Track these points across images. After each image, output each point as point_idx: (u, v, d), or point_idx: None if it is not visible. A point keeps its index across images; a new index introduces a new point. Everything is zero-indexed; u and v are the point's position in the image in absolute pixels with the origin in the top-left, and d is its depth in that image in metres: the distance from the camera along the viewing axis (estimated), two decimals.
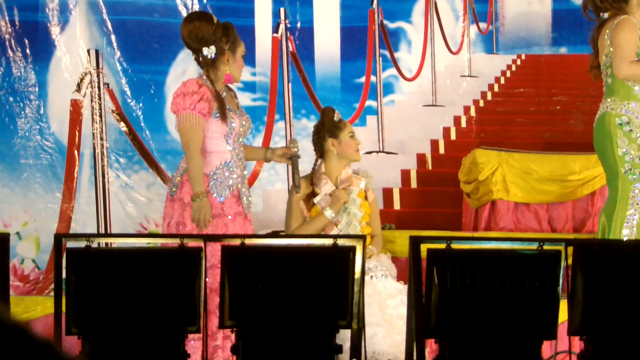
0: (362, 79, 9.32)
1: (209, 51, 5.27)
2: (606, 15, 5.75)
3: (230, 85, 5.46)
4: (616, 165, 5.66)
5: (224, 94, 5.33)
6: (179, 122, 5.22)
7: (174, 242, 4.21)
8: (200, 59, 5.31)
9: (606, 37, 5.63)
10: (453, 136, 9.71)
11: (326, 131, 5.93)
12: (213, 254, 4.87)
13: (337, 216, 5.82)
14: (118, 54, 8.73)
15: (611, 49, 5.62)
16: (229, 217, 5.30)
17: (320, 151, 5.97)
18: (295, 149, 5.53)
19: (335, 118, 5.95)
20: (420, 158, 8.95)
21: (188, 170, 5.20)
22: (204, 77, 5.28)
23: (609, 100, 5.67)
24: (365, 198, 5.93)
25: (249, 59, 8.92)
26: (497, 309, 4.04)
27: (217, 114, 5.25)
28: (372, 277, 5.66)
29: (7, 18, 8.50)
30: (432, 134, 9.66)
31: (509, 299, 4.03)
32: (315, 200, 5.86)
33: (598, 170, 6.86)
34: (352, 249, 4.10)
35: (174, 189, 5.28)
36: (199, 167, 5.17)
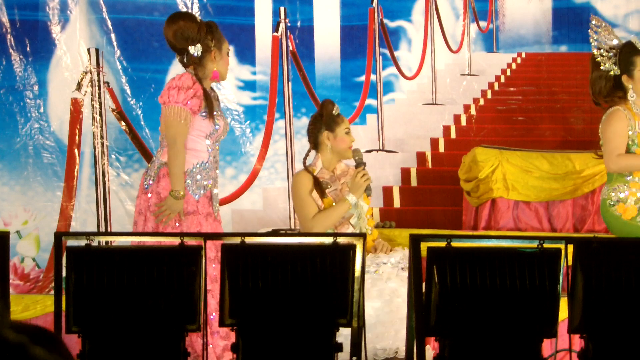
0: (362, 78, 9.32)
1: (196, 49, 5.25)
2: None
3: (213, 87, 5.45)
4: None
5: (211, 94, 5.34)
6: (167, 114, 5.18)
7: (173, 239, 4.21)
8: (185, 59, 5.29)
9: (600, 127, 5.72)
10: (453, 134, 9.71)
11: (323, 123, 5.91)
12: None
13: (359, 201, 5.77)
14: (118, 52, 8.72)
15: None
16: (214, 215, 5.31)
17: (315, 142, 5.94)
18: (358, 157, 5.73)
19: (334, 112, 5.93)
20: (420, 156, 8.95)
21: (172, 166, 5.15)
22: (194, 75, 5.27)
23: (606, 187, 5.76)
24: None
25: (249, 57, 8.91)
26: (497, 307, 4.03)
27: (204, 113, 5.23)
28: (402, 268, 5.66)
29: (7, 17, 8.50)
30: (432, 132, 9.66)
31: (509, 297, 4.02)
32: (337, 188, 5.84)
33: (599, 169, 6.86)
34: (352, 247, 4.09)
35: (150, 182, 5.25)
36: (182, 164, 5.16)
